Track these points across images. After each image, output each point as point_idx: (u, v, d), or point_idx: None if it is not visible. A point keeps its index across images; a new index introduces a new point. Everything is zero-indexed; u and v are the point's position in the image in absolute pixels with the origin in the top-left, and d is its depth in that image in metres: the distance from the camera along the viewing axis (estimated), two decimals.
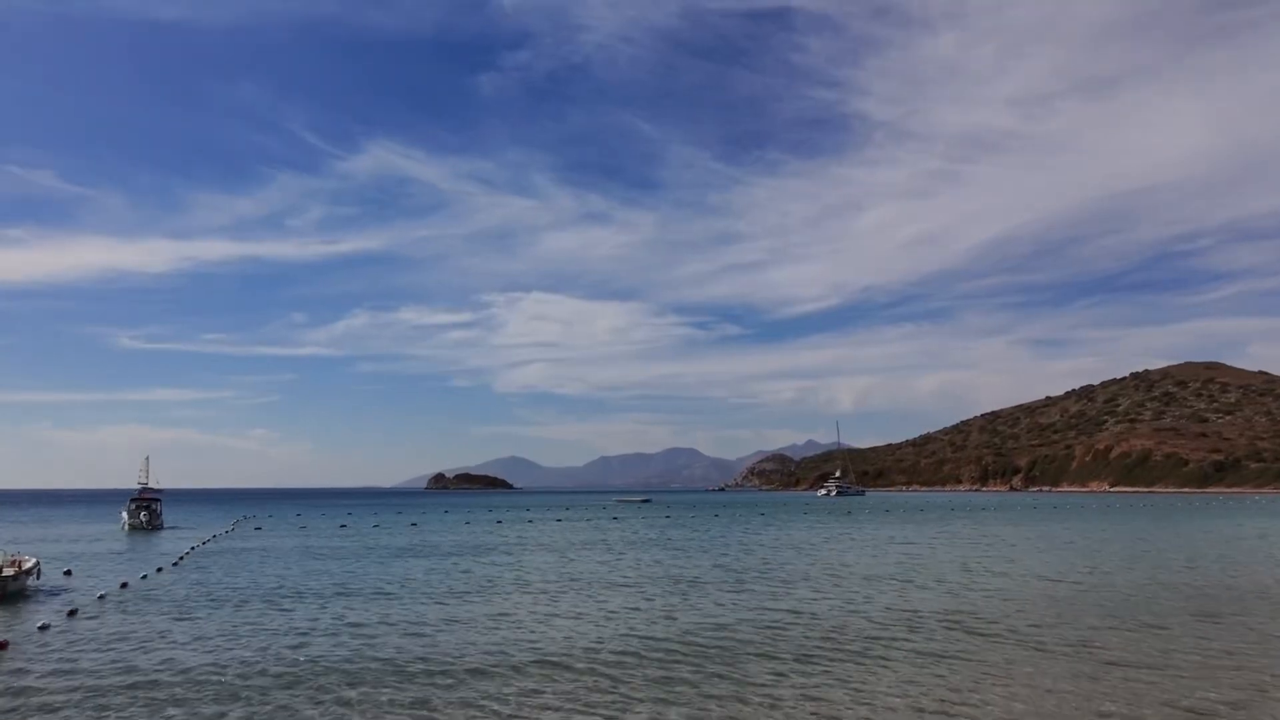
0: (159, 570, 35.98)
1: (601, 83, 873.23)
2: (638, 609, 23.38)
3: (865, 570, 33.71)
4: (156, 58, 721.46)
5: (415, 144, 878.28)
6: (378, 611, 22.89)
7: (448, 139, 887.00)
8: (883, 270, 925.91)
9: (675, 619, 21.60)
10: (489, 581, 29.86)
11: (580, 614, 22.46)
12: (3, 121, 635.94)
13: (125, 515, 71.92)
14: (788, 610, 23.06)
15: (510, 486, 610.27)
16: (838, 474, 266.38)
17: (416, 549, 45.72)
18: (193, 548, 47.68)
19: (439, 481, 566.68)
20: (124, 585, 29.99)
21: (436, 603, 24.47)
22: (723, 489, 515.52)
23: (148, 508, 71.17)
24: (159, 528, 70.79)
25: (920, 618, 21.80)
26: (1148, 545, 46.78)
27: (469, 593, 26.71)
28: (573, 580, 30.32)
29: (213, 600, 25.25)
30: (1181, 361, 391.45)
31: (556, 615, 22.24)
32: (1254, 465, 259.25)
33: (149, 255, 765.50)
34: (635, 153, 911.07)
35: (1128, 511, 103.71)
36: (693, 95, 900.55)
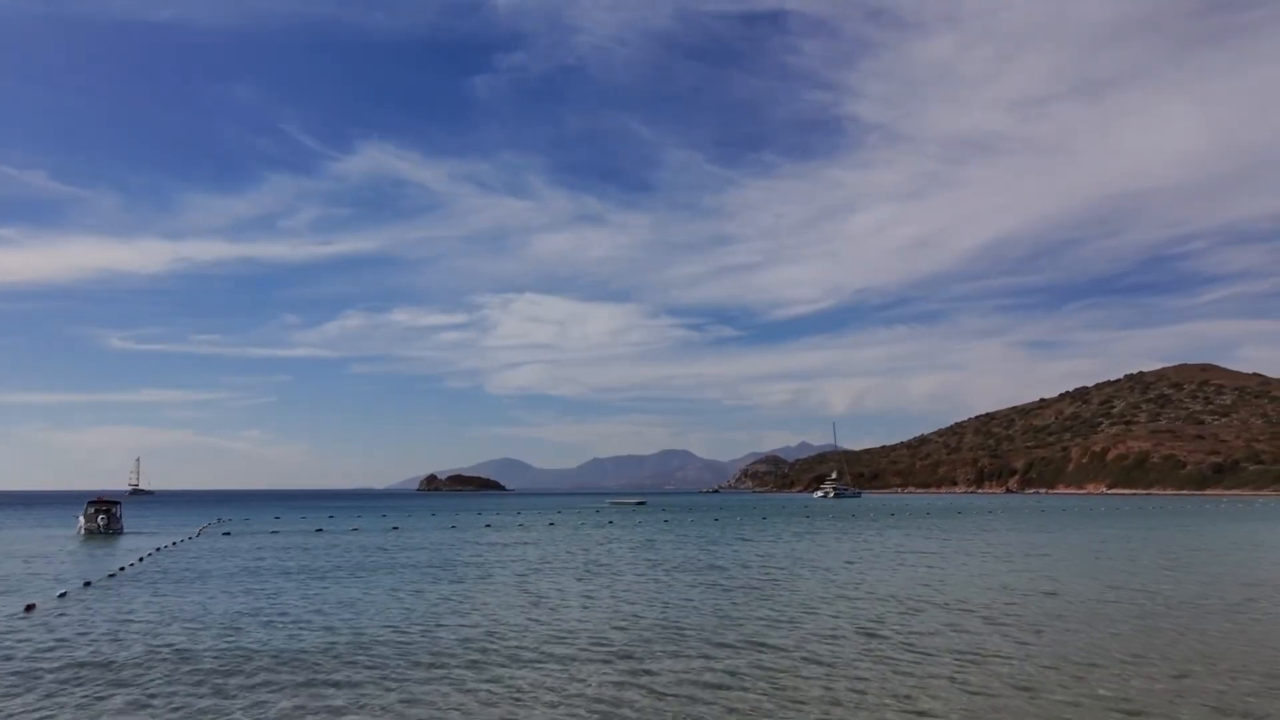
0: (85, 585, 31.81)
1: (596, 85, 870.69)
2: (614, 682, 16.88)
3: (891, 591, 29.30)
4: (150, 58, 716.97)
5: (410, 145, 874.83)
6: (244, 685, 16.20)
7: (442, 140, 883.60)
8: (877, 272, 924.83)
9: (670, 692, 15.74)
10: (431, 622, 23.07)
11: (525, 691, 15.72)
12: None
13: (82, 520, 67.27)
14: (806, 658, 18.56)
15: (503, 488, 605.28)
16: (834, 476, 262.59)
17: (378, 564, 40.50)
18: (140, 559, 43.33)
19: (432, 483, 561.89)
20: (29, 608, 25.63)
21: (344, 665, 17.37)
22: (717, 490, 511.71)
23: (106, 511, 66.52)
24: (118, 532, 66.28)
25: (989, 676, 16.77)
26: (1190, 556, 42.44)
27: (398, 647, 19.41)
28: (540, 617, 24.78)
29: (87, 644, 20.02)
30: (1174, 364, 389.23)
31: (493, 696, 15.41)
32: (1252, 467, 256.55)
33: (142, 256, 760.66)
34: (630, 155, 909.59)
35: (1137, 515, 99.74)
36: (688, 97, 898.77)
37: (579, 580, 32.51)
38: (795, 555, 44.12)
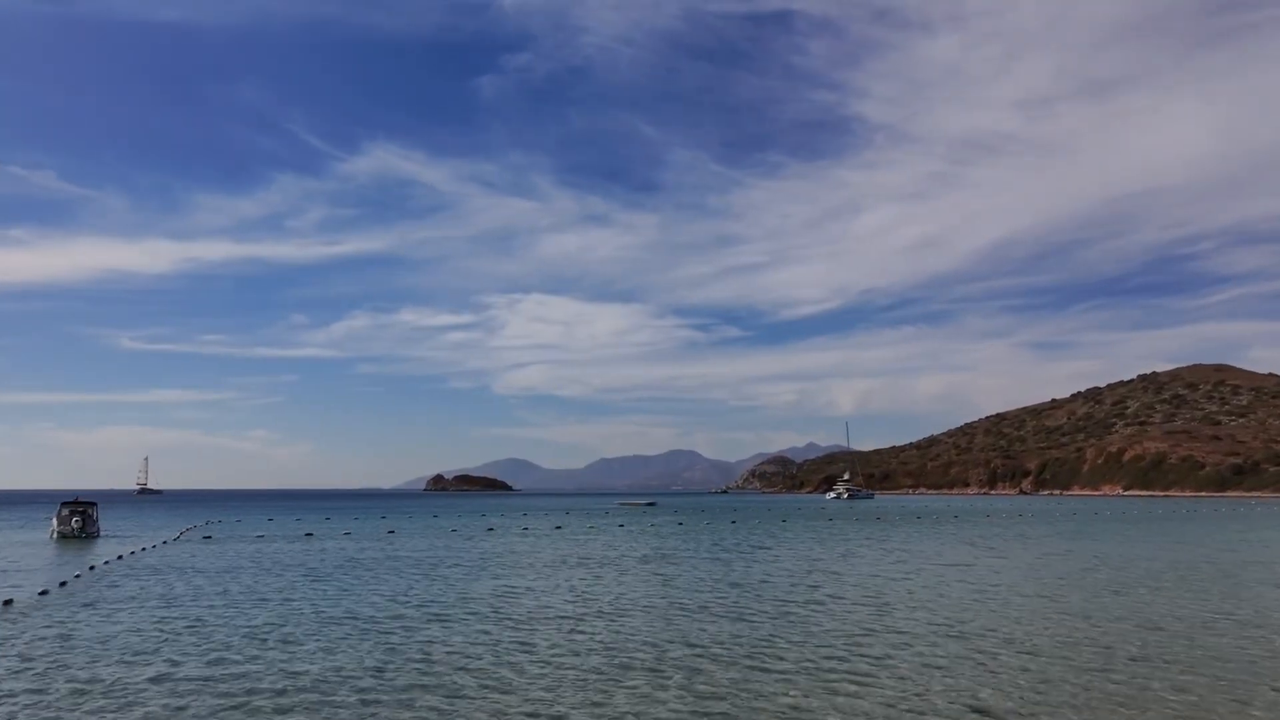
0: (5, 604, 27.43)
1: (602, 85, 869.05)
2: None
3: (958, 623, 24.33)
4: (158, 59, 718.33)
5: (416, 146, 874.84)
6: None
7: (449, 141, 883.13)
8: (883, 273, 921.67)
9: None
10: (369, 678, 18.47)
11: None
12: (4, 122, 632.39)
13: (55, 522, 63.07)
14: None
15: (509, 488, 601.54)
16: (846, 476, 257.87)
17: (348, 584, 34.27)
18: (91, 567, 39.08)
19: (438, 483, 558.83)
20: None
21: None
22: (725, 491, 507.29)
23: (82, 513, 62.32)
24: (94, 535, 62.08)
25: None
26: (1271, 570, 37.31)
27: None
28: (518, 667, 19.40)
29: None
30: (1186, 364, 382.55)
31: None
32: (1272, 469, 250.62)
33: (150, 256, 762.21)
34: (636, 155, 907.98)
35: (1170, 520, 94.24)
36: (693, 98, 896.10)
37: (575, 607, 27.50)
38: (828, 570, 39.11)
